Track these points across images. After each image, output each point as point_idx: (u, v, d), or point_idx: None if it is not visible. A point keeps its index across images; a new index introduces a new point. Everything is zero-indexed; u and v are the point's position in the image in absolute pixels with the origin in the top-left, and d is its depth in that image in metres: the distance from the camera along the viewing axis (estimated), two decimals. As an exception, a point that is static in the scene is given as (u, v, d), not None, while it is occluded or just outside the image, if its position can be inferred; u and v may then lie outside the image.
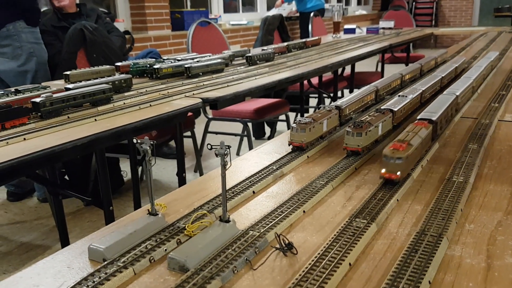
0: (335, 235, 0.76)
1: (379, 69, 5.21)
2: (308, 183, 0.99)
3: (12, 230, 2.70)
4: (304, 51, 3.36)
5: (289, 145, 1.21)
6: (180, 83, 2.07)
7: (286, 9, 7.17)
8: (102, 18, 3.18)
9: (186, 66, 2.19)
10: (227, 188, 0.96)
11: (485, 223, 0.81)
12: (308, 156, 1.19)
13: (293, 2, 7.04)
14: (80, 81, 1.89)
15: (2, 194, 3.14)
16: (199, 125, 3.32)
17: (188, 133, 3.11)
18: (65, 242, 2.14)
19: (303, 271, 0.66)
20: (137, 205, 2.30)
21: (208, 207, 0.89)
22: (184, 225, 0.81)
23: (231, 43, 4.74)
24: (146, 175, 3.14)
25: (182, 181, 2.10)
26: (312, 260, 0.68)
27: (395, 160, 0.92)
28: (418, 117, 1.17)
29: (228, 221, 0.78)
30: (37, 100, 1.48)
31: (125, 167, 3.30)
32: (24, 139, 1.32)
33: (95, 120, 1.53)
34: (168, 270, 0.70)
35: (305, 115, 1.54)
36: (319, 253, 0.70)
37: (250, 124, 3.47)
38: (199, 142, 3.29)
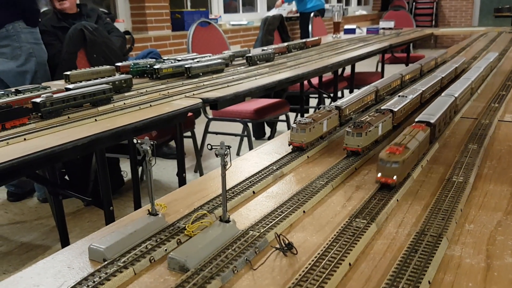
0: (335, 235, 0.76)
1: (379, 69, 5.21)
2: (308, 183, 0.99)
3: (12, 230, 2.70)
4: (304, 51, 3.36)
5: (289, 145, 1.21)
6: (180, 83, 2.07)
7: (286, 9, 7.17)
8: (102, 18, 3.18)
9: (186, 66, 2.20)
10: (227, 188, 0.96)
11: (485, 223, 0.81)
12: (308, 156, 1.19)
13: (293, 2, 7.05)
14: (80, 81, 1.89)
15: (2, 194, 3.14)
16: (199, 125, 3.32)
17: (188, 133, 3.11)
18: (65, 242, 2.15)
19: (303, 271, 0.66)
20: (137, 205, 2.31)
21: (208, 207, 0.89)
22: (184, 225, 0.81)
23: (231, 43, 4.74)
24: (146, 175, 3.14)
25: (182, 181, 2.11)
26: (312, 260, 0.68)
27: (391, 164, 0.90)
28: (416, 120, 1.16)
29: (228, 221, 0.78)
30: (38, 100, 1.48)
31: (125, 167, 3.30)
32: (25, 139, 1.33)
33: (95, 120, 1.53)
34: (168, 270, 0.70)
35: (305, 115, 1.55)
36: (319, 253, 0.70)
37: (250, 124, 3.47)
38: (199, 142, 3.30)
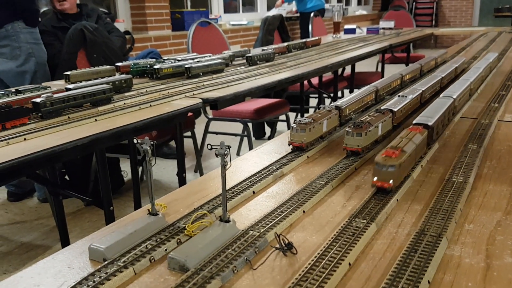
0: (334, 235, 0.76)
1: (379, 69, 5.21)
2: (308, 183, 0.99)
3: (12, 230, 2.70)
4: (304, 51, 3.36)
5: (289, 145, 1.21)
6: (180, 83, 2.07)
7: (286, 9, 7.17)
8: (103, 18, 3.18)
9: (186, 66, 2.20)
10: (227, 188, 0.96)
11: (485, 223, 0.81)
12: (308, 156, 1.19)
13: (293, 2, 7.05)
14: (81, 81, 1.89)
15: (2, 194, 3.15)
16: (199, 125, 3.32)
17: (188, 133, 3.11)
18: (65, 242, 2.15)
19: (303, 271, 0.66)
20: (137, 205, 2.31)
21: (208, 207, 0.89)
22: (184, 225, 0.81)
23: (231, 43, 4.74)
24: (146, 175, 3.14)
25: (182, 181, 2.11)
26: (312, 260, 0.69)
27: (387, 168, 0.88)
28: (414, 122, 1.14)
29: (228, 221, 0.78)
30: (38, 100, 1.48)
31: (125, 167, 3.30)
32: (25, 139, 1.33)
33: (96, 120, 1.53)
34: (168, 270, 0.70)
35: (305, 115, 1.55)
36: (318, 253, 0.70)
37: (250, 124, 3.47)
38: (199, 142, 3.30)
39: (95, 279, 0.66)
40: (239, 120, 3.26)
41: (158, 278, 0.68)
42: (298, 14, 6.95)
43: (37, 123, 1.46)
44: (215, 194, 0.95)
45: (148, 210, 0.84)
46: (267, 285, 0.66)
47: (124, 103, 1.72)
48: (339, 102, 1.36)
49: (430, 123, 1.14)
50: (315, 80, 4.15)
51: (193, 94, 1.89)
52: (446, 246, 0.73)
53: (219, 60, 2.39)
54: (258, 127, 4.29)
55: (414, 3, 11.78)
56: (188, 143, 3.05)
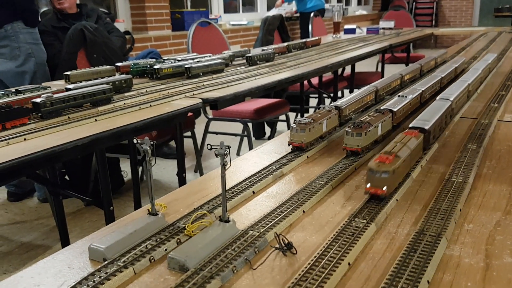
0: (334, 235, 0.76)
1: (379, 69, 5.21)
2: (307, 183, 1.00)
3: (12, 230, 2.70)
4: (304, 51, 3.36)
5: (289, 145, 1.21)
6: (180, 83, 2.08)
7: (286, 9, 7.17)
8: (102, 18, 3.18)
9: (186, 66, 2.20)
10: (227, 188, 0.96)
11: (484, 223, 0.81)
12: (308, 156, 1.19)
13: (293, 2, 7.05)
14: (81, 82, 1.89)
15: (3, 194, 3.15)
16: (199, 125, 3.32)
17: (188, 133, 3.11)
18: (65, 242, 2.15)
19: (303, 271, 0.66)
20: (137, 205, 2.31)
21: (208, 207, 0.89)
22: (184, 225, 0.81)
23: (231, 43, 4.74)
24: (146, 175, 3.14)
25: (182, 181, 2.11)
26: (312, 260, 0.69)
27: (381, 174, 0.85)
28: (410, 126, 1.11)
29: (228, 221, 0.78)
30: (38, 100, 1.48)
31: (125, 167, 3.30)
32: (25, 139, 1.33)
33: (96, 120, 1.53)
34: (168, 270, 0.70)
35: (305, 115, 1.55)
36: (318, 253, 0.71)
37: (250, 124, 3.47)
38: (199, 142, 3.30)
39: (95, 279, 0.66)
40: (239, 120, 3.26)
41: (158, 278, 0.68)
42: (298, 14, 6.95)
43: (37, 123, 1.46)
44: (215, 194, 0.95)
45: (148, 210, 0.84)
46: (267, 285, 0.66)
47: (124, 103, 1.72)
48: (339, 102, 1.37)
49: (426, 127, 1.11)
50: (315, 80, 4.15)
51: (193, 94, 1.89)
52: (445, 246, 0.73)
53: (219, 60, 2.39)
54: (258, 127, 4.29)
55: (414, 3, 11.78)
56: (188, 143, 3.05)
